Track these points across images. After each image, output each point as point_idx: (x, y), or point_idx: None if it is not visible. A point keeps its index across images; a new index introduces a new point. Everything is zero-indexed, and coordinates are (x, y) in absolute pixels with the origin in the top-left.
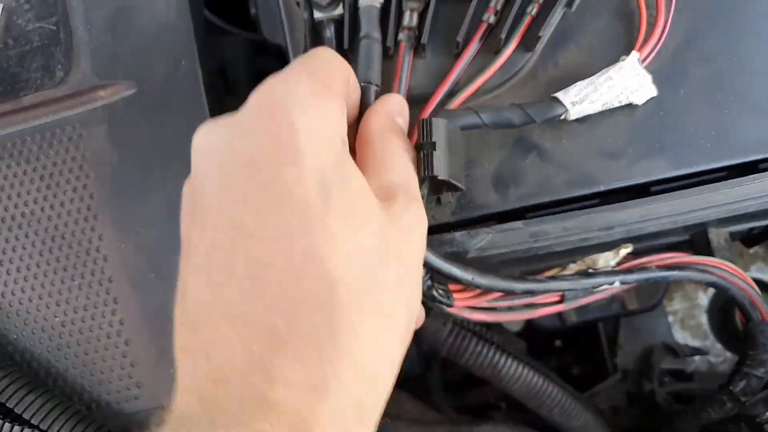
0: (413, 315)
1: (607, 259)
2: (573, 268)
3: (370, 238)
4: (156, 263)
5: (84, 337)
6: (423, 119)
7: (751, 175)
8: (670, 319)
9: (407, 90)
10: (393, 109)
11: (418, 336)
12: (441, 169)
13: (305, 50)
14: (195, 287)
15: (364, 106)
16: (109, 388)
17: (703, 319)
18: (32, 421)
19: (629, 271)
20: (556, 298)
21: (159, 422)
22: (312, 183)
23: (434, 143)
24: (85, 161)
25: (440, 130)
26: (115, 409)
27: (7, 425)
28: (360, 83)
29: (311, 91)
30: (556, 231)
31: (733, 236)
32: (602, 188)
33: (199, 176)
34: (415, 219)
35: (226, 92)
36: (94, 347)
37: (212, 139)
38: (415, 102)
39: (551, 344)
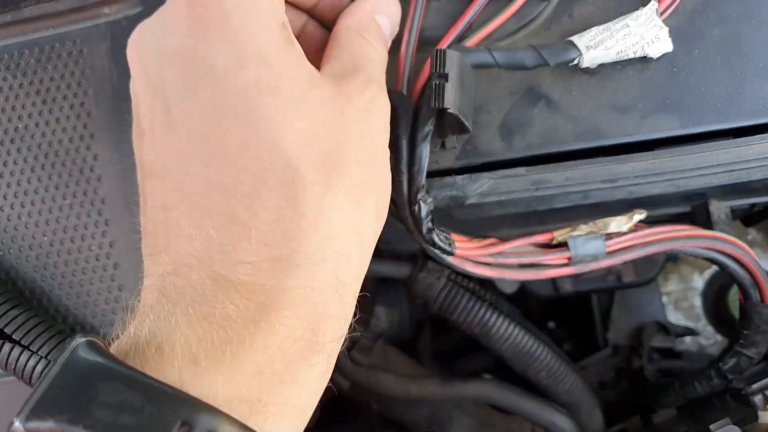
0: (384, 194)
1: (620, 223)
2: (584, 228)
3: (323, 117)
4: None
5: (72, 258)
6: (438, 49)
7: (756, 136)
8: (664, 299)
9: (419, 29)
10: (376, 6)
11: (411, 290)
12: (452, 101)
13: None
14: (153, 189)
15: None
16: (94, 310)
17: (697, 301)
18: (14, 337)
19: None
20: (564, 261)
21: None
22: (252, 67)
23: (446, 75)
24: (84, 78)
25: (454, 61)
26: (100, 333)
27: None
28: None
29: None
30: (558, 180)
31: (733, 214)
32: (609, 142)
33: (141, 78)
34: (373, 98)
35: None
36: (82, 268)
37: (149, 40)
38: (428, 43)
39: (543, 320)
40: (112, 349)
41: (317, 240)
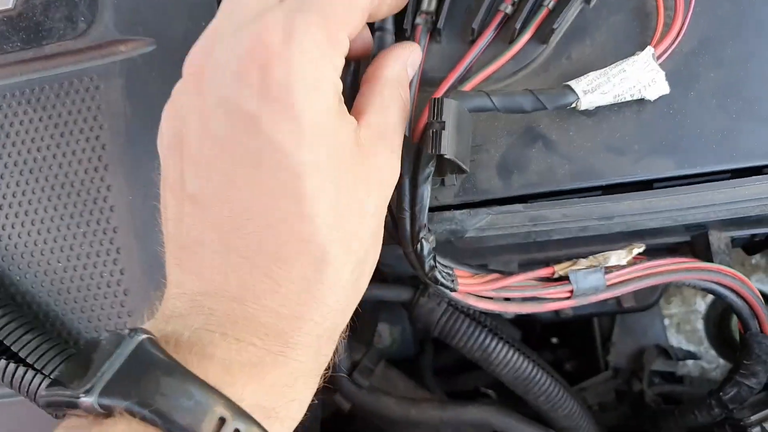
0: (377, 258)
1: (619, 257)
2: (584, 263)
3: (355, 194)
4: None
5: (84, 284)
6: (435, 98)
7: (752, 177)
8: (666, 322)
9: (421, 71)
10: (409, 58)
11: (412, 314)
12: (448, 148)
13: None
14: (192, 216)
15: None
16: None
17: (699, 324)
18: (28, 360)
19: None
20: (566, 294)
21: (144, 319)
22: (307, 150)
23: (443, 122)
24: (100, 113)
25: (451, 109)
26: None
27: (2, 361)
28: None
29: (315, 43)
30: (555, 217)
31: (734, 242)
32: (605, 182)
33: (188, 113)
34: (394, 171)
35: None
36: (94, 294)
37: (194, 98)
38: (429, 84)
39: (546, 338)
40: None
41: (329, 303)
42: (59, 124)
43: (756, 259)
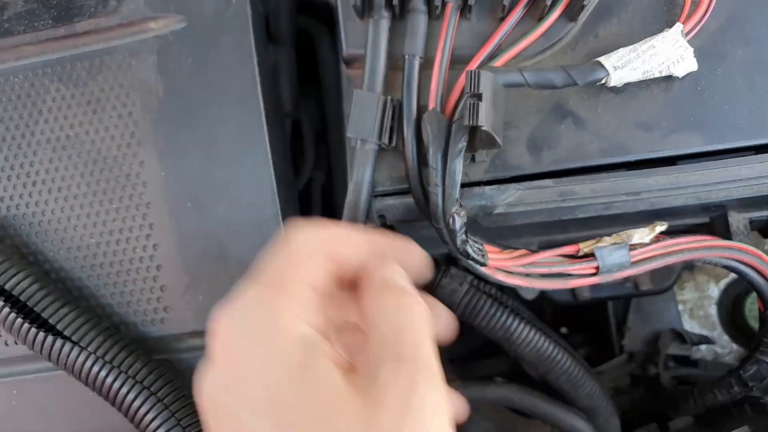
0: None
1: (642, 235)
2: (608, 240)
3: None
4: (194, 193)
5: (117, 260)
6: (471, 70)
7: None
8: (680, 308)
9: (451, 49)
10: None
11: (434, 296)
12: (485, 119)
13: (354, 4)
14: None
15: (407, 78)
16: (137, 309)
17: (713, 310)
18: (65, 333)
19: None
20: (592, 270)
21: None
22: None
23: (480, 94)
24: (132, 89)
25: (488, 81)
26: (142, 331)
27: (41, 334)
28: (405, 55)
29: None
30: (584, 192)
31: (752, 224)
32: (633, 158)
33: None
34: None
35: (269, 41)
36: (127, 269)
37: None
38: (459, 61)
39: (555, 328)
40: None
41: None
42: (91, 101)
43: None
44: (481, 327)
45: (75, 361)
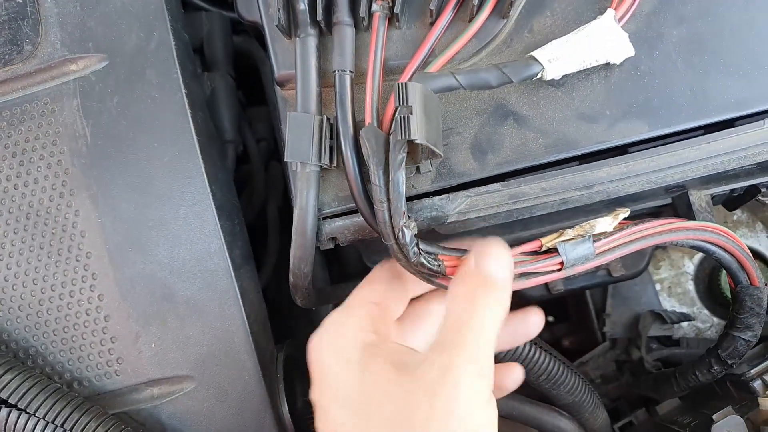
0: None
1: (605, 224)
2: (570, 233)
3: None
4: (133, 237)
5: (62, 315)
6: (399, 83)
7: (725, 131)
8: (658, 287)
9: (383, 60)
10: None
11: None
12: (418, 132)
13: (278, 24)
14: None
15: (339, 95)
16: (89, 364)
17: (690, 286)
18: (10, 401)
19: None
20: (556, 267)
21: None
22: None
23: (411, 107)
24: (58, 136)
25: (417, 93)
26: (97, 386)
27: None
28: (334, 71)
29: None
30: (534, 192)
31: (714, 199)
32: (580, 152)
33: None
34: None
35: (204, 69)
36: (73, 324)
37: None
38: (393, 72)
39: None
40: None
41: None
42: (16, 153)
43: (737, 214)
44: None
45: (23, 430)
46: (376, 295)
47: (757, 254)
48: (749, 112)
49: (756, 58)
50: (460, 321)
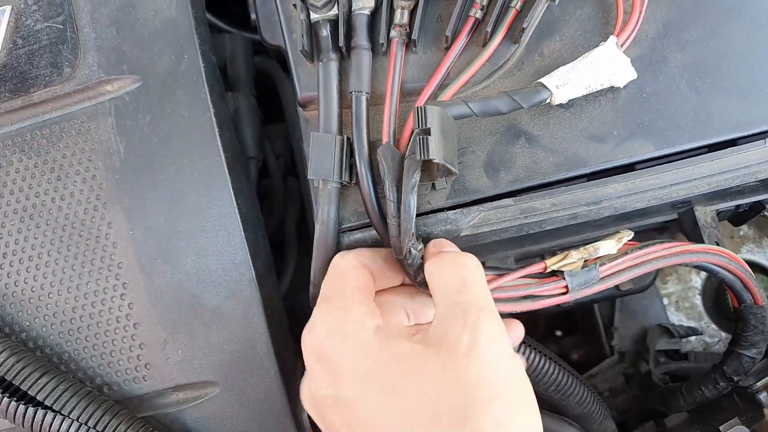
0: None
1: (609, 247)
2: (575, 255)
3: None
4: (163, 248)
5: (94, 322)
6: (418, 106)
7: (728, 149)
8: (665, 301)
9: (400, 83)
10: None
11: None
12: (436, 152)
13: (302, 49)
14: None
15: (356, 115)
16: (118, 369)
17: (698, 300)
18: (46, 403)
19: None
20: (561, 290)
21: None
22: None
23: (429, 129)
24: (93, 153)
25: (435, 116)
26: (125, 391)
27: (21, 407)
28: (351, 92)
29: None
30: (544, 207)
31: (720, 215)
32: (589, 170)
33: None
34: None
35: (227, 88)
36: (104, 331)
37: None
38: (410, 94)
39: (550, 330)
40: None
41: None
42: (54, 168)
43: (744, 230)
44: None
45: (58, 431)
46: (366, 282)
47: (763, 269)
48: (750, 132)
49: (756, 80)
50: (457, 291)
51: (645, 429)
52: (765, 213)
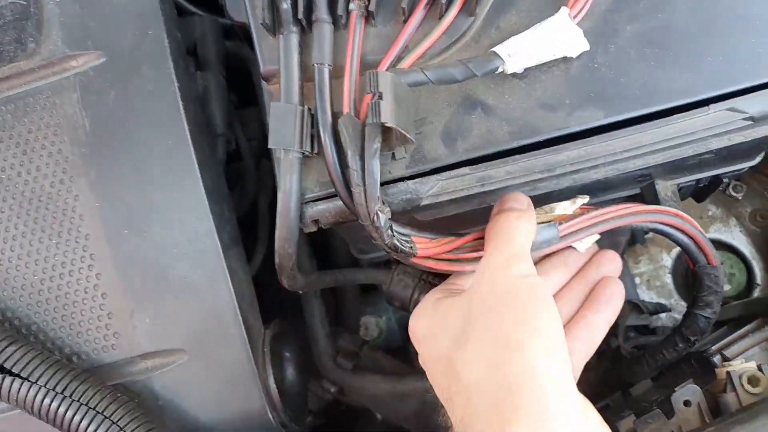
0: None
1: (564, 207)
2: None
3: None
4: (129, 219)
5: (62, 293)
6: (369, 71)
7: (673, 116)
8: (637, 280)
9: (360, 55)
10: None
11: (390, 294)
12: (389, 116)
13: (263, 22)
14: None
15: (318, 86)
16: (87, 339)
17: (668, 279)
18: (13, 371)
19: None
20: None
21: None
22: None
23: (381, 93)
24: (59, 127)
25: (386, 81)
26: (95, 359)
27: None
28: (313, 65)
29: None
30: (500, 175)
31: (683, 192)
32: (542, 138)
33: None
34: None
35: (197, 68)
36: (73, 301)
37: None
38: (370, 66)
39: None
40: None
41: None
42: (20, 143)
43: (712, 210)
44: None
45: (26, 397)
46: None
47: (731, 248)
48: (695, 99)
49: (700, 51)
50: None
51: (613, 400)
52: (733, 193)
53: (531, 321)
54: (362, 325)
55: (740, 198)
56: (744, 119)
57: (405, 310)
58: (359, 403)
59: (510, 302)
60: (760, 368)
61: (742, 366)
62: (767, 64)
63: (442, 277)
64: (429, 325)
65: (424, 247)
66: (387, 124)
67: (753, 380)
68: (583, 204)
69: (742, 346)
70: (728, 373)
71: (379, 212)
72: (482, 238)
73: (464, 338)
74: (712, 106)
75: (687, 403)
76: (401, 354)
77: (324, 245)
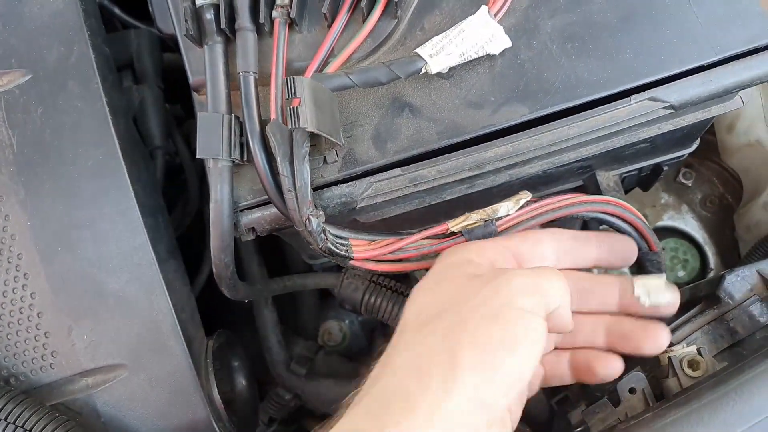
0: None
1: (507, 208)
2: (474, 217)
3: None
4: (62, 236)
5: None
6: (286, 77)
7: (596, 108)
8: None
9: (285, 62)
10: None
11: (341, 297)
12: (309, 121)
13: (186, 33)
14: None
15: (245, 94)
16: (25, 360)
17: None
18: None
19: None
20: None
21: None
22: None
23: (299, 98)
24: None
25: (304, 86)
26: (33, 380)
27: None
28: (239, 73)
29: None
30: (431, 175)
31: (626, 181)
32: (469, 136)
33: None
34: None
35: (135, 82)
36: (8, 322)
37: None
38: (297, 72)
39: None
40: None
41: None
42: None
43: (665, 198)
44: (386, 321)
45: None
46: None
47: (684, 234)
48: (617, 90)
49: (618, 44)
50: None
51: (571, 390)
52: (683, 180)
53: (500, 352)
54: (325, 331)
55: (690, 185)
56: (665, 108)
57: (357, 312)
58: (318, 409)
59: (498, 327)
60: (699, 352)
61: (682, 350)
62: (683, 54)
63: (393, 278)
64: (435, 292)
65: (363, 250)
66: (307, 129)
67: (693, 364)
68: (526, 201)
69: (686, 331)
70: (669, 358)
71: (311, 216)
72: (427, 237)
73: (435, 320)
74: (633, 96)
75: (632, 391)
76: (365, 358)
77: (281, 252)
